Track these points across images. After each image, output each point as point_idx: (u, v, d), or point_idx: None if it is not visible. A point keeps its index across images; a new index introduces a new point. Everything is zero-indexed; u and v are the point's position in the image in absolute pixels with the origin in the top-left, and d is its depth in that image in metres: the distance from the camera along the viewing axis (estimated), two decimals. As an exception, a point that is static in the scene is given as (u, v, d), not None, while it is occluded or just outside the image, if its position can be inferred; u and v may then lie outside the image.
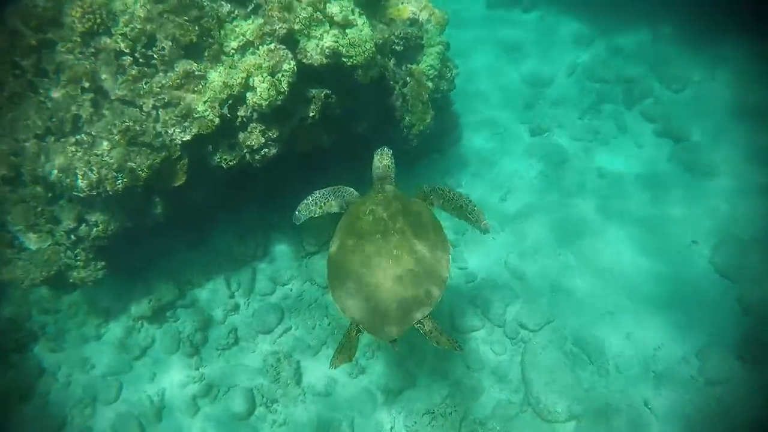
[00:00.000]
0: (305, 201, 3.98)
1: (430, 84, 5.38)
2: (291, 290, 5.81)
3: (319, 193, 3.97)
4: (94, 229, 4.48)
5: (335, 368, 3.47)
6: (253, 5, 4.48)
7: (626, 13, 8.18)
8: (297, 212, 3.98)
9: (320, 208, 3.95)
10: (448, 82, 5.67)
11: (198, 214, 5.50)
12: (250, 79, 4.03)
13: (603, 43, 8.22)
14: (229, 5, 4.49)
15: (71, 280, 4.68)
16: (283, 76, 4.08)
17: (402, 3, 5.30)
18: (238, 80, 3.99)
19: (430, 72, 5.33)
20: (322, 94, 4.44)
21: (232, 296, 5.71)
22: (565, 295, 5.60)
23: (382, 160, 3.96)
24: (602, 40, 8.27)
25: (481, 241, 6.17)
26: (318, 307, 5.67)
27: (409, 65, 5.29)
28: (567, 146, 7.04)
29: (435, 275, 3.31)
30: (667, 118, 7.05)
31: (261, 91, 3.96)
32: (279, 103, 4.05)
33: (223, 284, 5.73)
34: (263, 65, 4.01)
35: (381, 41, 4.99)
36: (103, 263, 4.76)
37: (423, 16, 5.38)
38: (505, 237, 6.24)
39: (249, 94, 4.04)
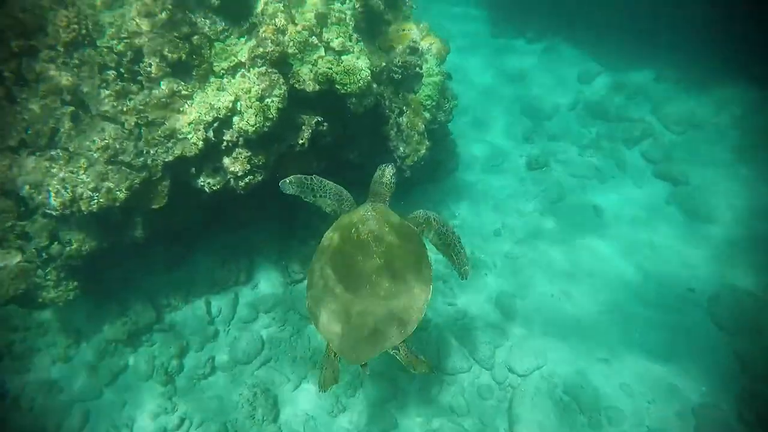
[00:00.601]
0: (304, 179, 3.64)
1: (427, 115, 5.24)
2: (273, 319, 5.56)
3: (319, 182, 3.66)
4: (68, 248, 4.26)
5: (324, 392, 3.35)
6: (248, 24, 4.36)
7: (631, 52, 8.16)
8: (288, 182, 3.61)
9: (313, 196, 3.66)
10: (445, 114, 5.53)
11: (179, 234, 5.29)
12: (238, 103, 3.86)
13: (606, 80, 8.17)
14: (223, 23, 4.35)
15: (40, 300, 4.44)
16: (272, 101, 3.92)
17: (403, 30, 5.19)
18: (225, 103, 3.83)
19: (428, 102, 5.19)
20: (313, 121, 4.28)
21: (211, 322, 5.47)
22: (557, 339, 5.38)
23: (383, 177, 3.73)
24: (606, 76, 8.22)
25: (471, 277, 5.94)
26: (300, 337, 5.43)
27: (406, 94, 5.16)
28: (564, 182, 6.91)
29: (411, 306, 3.15)
30: (667, 160, 6.95)
31: (248, 117, 3.79)
32: (266, 129, 3.89)
33: (203, 309, 5.49)
34: (252, 89, 3.85)
35: (378, 68, 4.87)
36: (75, 283, 4.53)
37: (424, 45, 5.27)
38: (498, 273, 6.04)
39: (236, 119, 3.88)
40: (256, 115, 3.79)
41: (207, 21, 4.32)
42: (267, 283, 5.79)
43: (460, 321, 5.57)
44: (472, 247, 6.32)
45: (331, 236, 3.42)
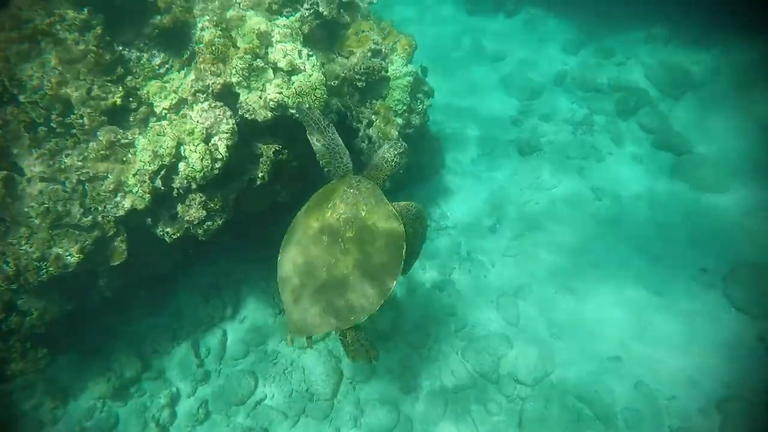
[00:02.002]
0: (319, 119, 3.38)
1: (399, 120, 4.84)
2: (265, 352, 5.30)
3: (331, 133, 3.37)
4: (28, 318, 3.99)
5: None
6: (189, 52, 3.98)
7: (617, 14, 7.60)
8: (305, 110, 3.40)
9: (317, 140, 3.40)
10: (420, 116, 5.12)
11: (157, 276, 5.01)
12: (182, 148, 3.50)
13: (593, 48, 7.62)
14: (162, 54, 3.99)
15: (9, 373, 4.20)
16: (220, 139, 3.56)
17: (363, 31, 4.75)
18: (168, 150, 3.47)
19: (399, 107, 4.78)
20: (272, 151, 3.92)
21: (201, 364, 5.22)
22: (564, 340, 5.07)
23: (387, 152, 3.39)
24: (592, 44, 7.67)
25: (470, 281, 5.65)
26: (295, 369, 5.16)
27: (374, 102, 4.75)
28: (559, 166, 6.48)
29: (365, 299, 3.04)
30: (667, 129, 6.47)
31: (193, 162, 3.44)
32: (217, 171, 3.54)
33: (190, 351, 5.24)
34: (196, 130, 3.48)
35: (340, 79, 4.46)
36: (45, 350, 4.29)
37: (387, 45, 4.83)
38: (496, 273, 5.71)
39: (181, 165, 3.52)
40: (202, 159, 3.43)
41: (144, 55, 3.97)
42: (256, 314, 5.52)
43: (460, 332, 5.27)
44: (467, 247, 5.99)
45: (310, 206, 3.25)
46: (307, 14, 4.22)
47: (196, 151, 3.42)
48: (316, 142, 3.38)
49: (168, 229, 3.90)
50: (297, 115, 3.47)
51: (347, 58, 4.68)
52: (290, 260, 3.15)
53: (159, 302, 5.47)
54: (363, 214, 3.14)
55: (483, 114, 7.27)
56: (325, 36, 4.65)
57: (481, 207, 6.30)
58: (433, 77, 5.71)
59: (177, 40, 4.08)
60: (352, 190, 3.22)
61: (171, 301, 5.51)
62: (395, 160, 3.41)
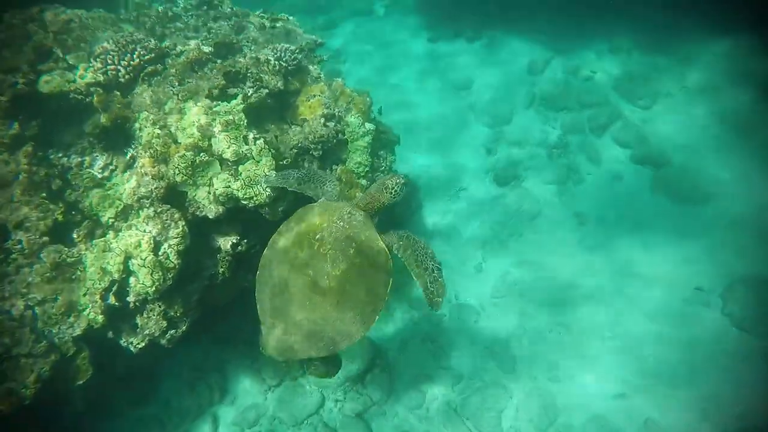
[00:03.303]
0: (285, 175, 3.57)
1: (363, 182, 4.66)
2: (259, 432, 5.07)
3: (303, 174, 3.56)
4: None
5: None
6: (132, 150, 3.81)
7: (576, 26, 7.48)
8: (272, 176, 3.61)
9: (297, 185, 3.51)
10: (385, 173, 4.94)
11: (134, 370, 4.79)
12: (130, 262, 3.31)
13: (558, 66, 7.49)
14: (104, 155, 3.83)
15: None
16: (170, 246, 3.38)
17: (313, 96, 4.59)
18: (116, 267, 3.28)
19: (360, 169, 4.61)
20: (229, 245, 3.74)
21: (193, 456, 4.98)
22: (563, 383, 4.86)
23: (387, 182, 3.37)
24: (557, 61, 7.55)
25: (461, 328, 5.44)
26: (292, 449, 4.94)
27: (334, 166, 4.58)
28: (538, 193, 6.31)
29: (344, 335, 3.06)
30: (642, 141, 6.31)
31: (143, 279, 3.25)
32: (170, 282, 3.34)
33: (181, 443, 5.00)
34: (142, 242, 3.30)
35: (294, 151, 4.28)
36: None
37: (340, 107, 4.67)
38: (487, 317, 5.50)
39: (132, 280, 3.32)
40: (152, 274, 3.25)
41: (86, 158, 3.81)
42: (245, 393, 5.29)
43: (456, 386, 5.06)
44: (454, 290, 5.79)
45: (291, 232, 3.18)
46: (251, 92, 4.05)
47: (144, 266, 3.24)
48: (303, 188, 3.47)
49: (132, 340, 3.70)
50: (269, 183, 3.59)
51: (300, 126, 4.51)
52: (271, 287, 3.14)
53: (143, 393, 5.23)
54: (351, 252, 3.07)
55: (455, 146, 7.11)
56: (275, 106, 4.49)
57: (465, 246, 6.11)
58: (398, 113, 5.55)
59: (119, 139, 3.93)
60: (342, 223, 3.13)
61: (156, 391, 5.28)
62: (395, 190, 3.35)
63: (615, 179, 6.22)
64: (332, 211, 3.19)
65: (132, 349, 3.73)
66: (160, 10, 5.04)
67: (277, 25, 5.21)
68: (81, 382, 3.71)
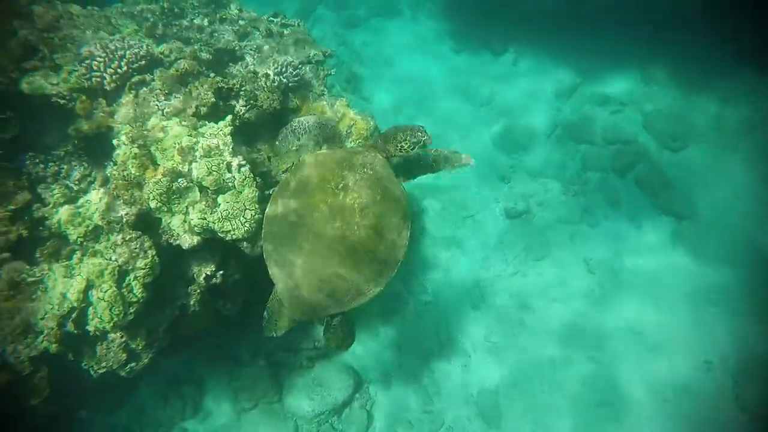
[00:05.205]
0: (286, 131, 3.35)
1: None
2: (228, 454, 4.90)
3: (301, 127, 3.33)
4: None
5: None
6: (110, 165, 3.58)
7: (610, 50, 6.96)
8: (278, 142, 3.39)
9: (297, 140, 3.33)
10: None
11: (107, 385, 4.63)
12: (90, 292, 3.10)
13: (586, 93, 7.01)
14: (83, 166, 3.61)
15: None
16: (136, 278, 3.15)
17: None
18: (75, 295, 3.06)
19: (356, 200, 4.30)
20: (202, 277, 3.49)
21: (159, 472, 4.84)
22: (552, 446, 4.56)
23: (407, 137, 3.11)
24: (585, 88, 7.06)
25: (448, 370, 5.17)
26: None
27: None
28: (550, 233, 5.93)
29: (360, 291, 2.89)
30: (668, 188, 5.87)
31: (101, 311, 3.03)
32: (131, 317, 3.12)
33: (149, 460, 4.86)
34: (105, 272, 3.07)
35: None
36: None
37: (342, 129, 4.36)
38: (477, 362, 5.22)
39: (90, 311, 3.11)
40: (110, 309, 3.02)
41: (63, 167, 3.59)
42: (218, 412, 5.12)
43: (437, 434, 4.80)
44: (448, 327, 5.50)
45: (306, 185, 2.93)
46: (243, 111, 3.77)
47: (104, 299, 3.01)
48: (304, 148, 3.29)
49: (92, 365, 3.49)
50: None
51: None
52: (299, 244, 2.85)
53: (117, 399, 5.09)
54: (379, 198, 2.90)
55: (467, 169, 6.71)
56: (270, 124, 4.19)
57: (464, 280, 5.80)
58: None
59: (102, 148, 3.70)
60: (366, 170, 2.96)
61: (131, 397, 5.13)
62: (413, 144, 3.11)
63: (633, 226, 5.80)
64: (352, 154, 3.03)
65: (93, 373, 3.53)
66: (165, 5, 4.76)
67: (286, 32, 4.89)
68: (36, 401, 3.54)
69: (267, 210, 2.96)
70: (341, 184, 2.90)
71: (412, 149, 3.14)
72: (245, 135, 3.97)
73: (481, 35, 7.95)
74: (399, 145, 3.11)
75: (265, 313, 3.07)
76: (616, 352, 4.98)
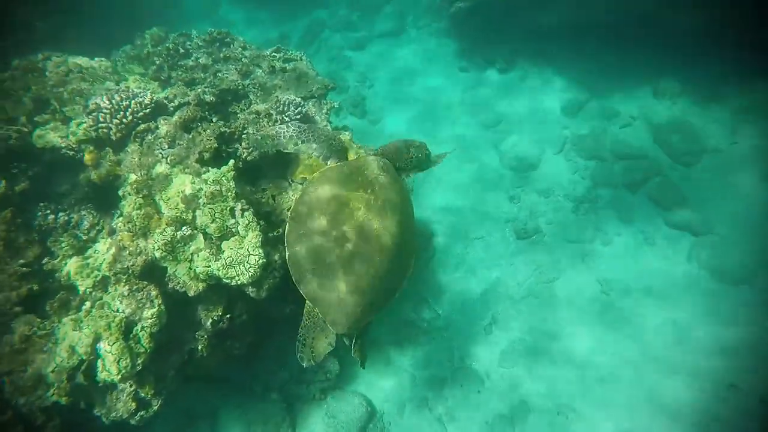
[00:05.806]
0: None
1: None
2: (242, 492, 4.90)
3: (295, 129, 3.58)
4: None
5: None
6: (118, 215, 3.65)
7: (620, 64, 6.86)
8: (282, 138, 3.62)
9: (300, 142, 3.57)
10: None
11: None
12: (98, 345, 3.14)
13: (595, 107, 6.91)
14: (92, 215, 3.70)
15: None
16: (143, 328, 3.19)
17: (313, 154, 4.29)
18: (84, 348, 3.11)
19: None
20: (209, 322, 3.51)
21: None
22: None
23: (411, 148, 3.49)
24: (593, 102, 6.97)
25: (462, 397, 5.10)
26: None
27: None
28: (560, 252, 5.84)
29: (395, 286, 3.21)
30: (681, 204, 5.74)
31: (109, 365, 3.07)
32: (139, 368, 3.15)
33: (161, 496, 4.87)
34: (113, 324, 3.11)
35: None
36: None
37: (345, 164, 4.37)
38: (491, 389, 5.13)
39: (99, 364, 3.15)
40: (118, 361, 3.06)
41: (73, 217, 3.67)
42: (233, 449, 5.12)
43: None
44: (460, 352, 5.44)
45: (329, 186, 3.13)
46: (245, 154, 3.81)
47: (111, 352, 3.05)
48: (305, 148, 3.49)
49: (103, 411, 3.54)
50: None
51: (302, 183, 4.24)
52: (337, 268, 2.98)
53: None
54: (399, 201, 3.17)
55: (475, 189, 6.70)
56: (276, 160, 4.23)
57: (475, 303, 5.74)
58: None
59: (110, 196, 3.78)
60: (385, 174, 3.21)
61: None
62: (413, 160, 3.46)
63: (647, 243, 5.68)
64: (367, 162, 3.25)
65: (105, 420, 3.58)
66: (170, 47, 4.86)
67: (288, 66, 4.94)
68: (51, 449, 3.59)
69: (292, 251, 3.04)
70: (361, 198, 3.07)
71: (419, 165, 3.49)
72: (250, 174, 4.02)
73: (486, 54, 7.93)
74: (408, 160, 3.44)
75: (297, 343, 3.17)
76: (632, 377, 4.85)
